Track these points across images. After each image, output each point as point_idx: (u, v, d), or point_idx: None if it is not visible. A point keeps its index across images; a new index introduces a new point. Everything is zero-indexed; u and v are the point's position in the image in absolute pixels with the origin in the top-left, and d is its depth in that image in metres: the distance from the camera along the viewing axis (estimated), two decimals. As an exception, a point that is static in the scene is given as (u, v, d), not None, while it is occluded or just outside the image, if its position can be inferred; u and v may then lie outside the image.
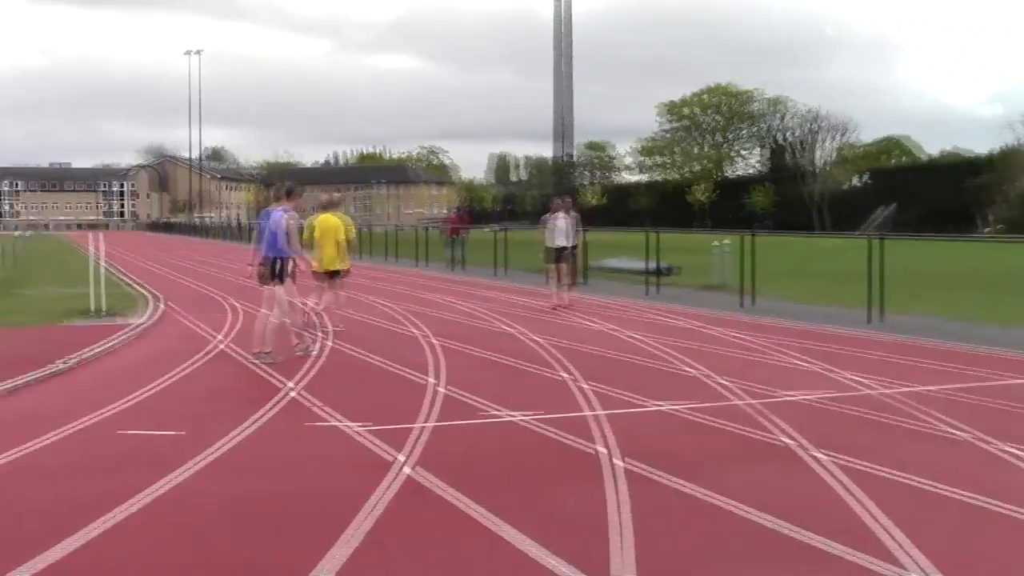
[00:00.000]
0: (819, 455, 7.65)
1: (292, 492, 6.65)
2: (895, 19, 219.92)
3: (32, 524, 5.93)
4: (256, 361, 12.76)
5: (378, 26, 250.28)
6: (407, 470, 7.16)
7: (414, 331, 16.08)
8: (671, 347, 14.02)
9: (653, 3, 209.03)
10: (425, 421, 8.96)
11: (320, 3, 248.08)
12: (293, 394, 10.41)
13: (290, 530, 5.80)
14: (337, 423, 8.87)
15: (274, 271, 12.98)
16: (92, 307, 17.95)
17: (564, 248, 20.06)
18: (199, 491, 6.66)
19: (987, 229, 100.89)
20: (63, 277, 29.01)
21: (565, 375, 11.59)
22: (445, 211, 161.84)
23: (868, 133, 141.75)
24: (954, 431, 8.60)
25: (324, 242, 15.83)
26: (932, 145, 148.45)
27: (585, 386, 10.80)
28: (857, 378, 11.38)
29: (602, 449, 7.84)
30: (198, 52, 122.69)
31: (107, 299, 18.79)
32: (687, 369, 12.11)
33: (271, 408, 9.60)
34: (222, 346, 14.31)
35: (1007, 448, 7.90)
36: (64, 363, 12.04)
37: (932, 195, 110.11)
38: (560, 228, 20.08)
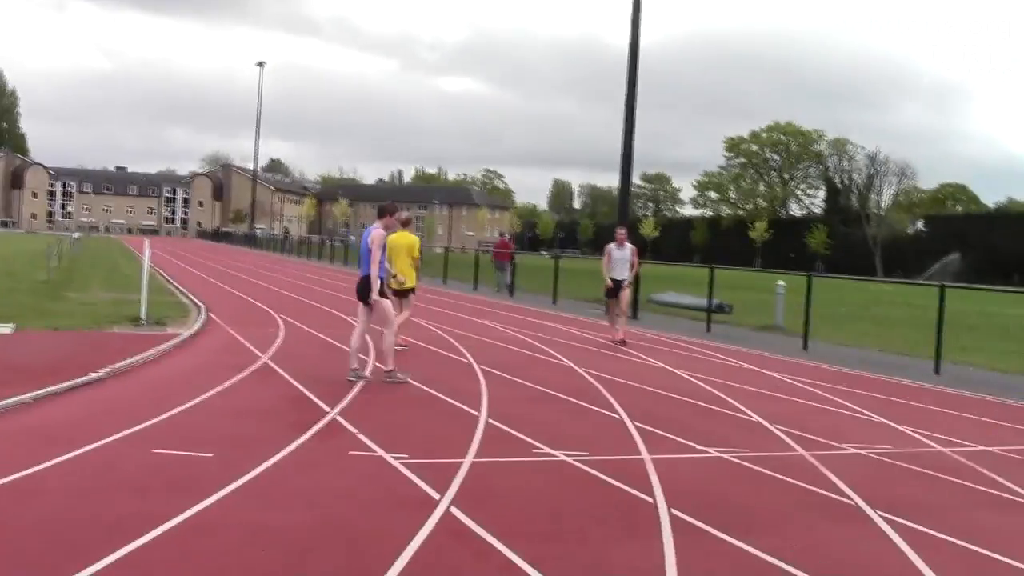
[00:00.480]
0: (882, 515, 7.16)
1: (320, 526, 6.24)
2: (959, 64, 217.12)
3: (36, 545, 5.57)
4: (353, 379, 12.62)
5: (446, 47, 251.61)
6: (446, 509, 6.74)
7: (464, 358, 15.67)
8: (728, 389, 13.52)
9: (716, 38, 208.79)
10: (470, 456, 8.54)
11: (390, 22, 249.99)
12: (335, 419, 10.01)
13: (313, 570, 5.40)
14: (377, 454, 8.46)
15: (365, 288, 12.78)
16: (140, 315, 17.65)
17: (623, 280, 19.47)
18: (222, 521, 6.25)
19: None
20: (112, 282, 28.91)
21: (618, 414, 11.13)
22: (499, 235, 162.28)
23: (927, 179, 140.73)
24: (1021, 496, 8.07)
25: (397, 260, 15.48)
26: (990, 195, 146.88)
27: (639, 426, 10.34)
28: (919, 432, 10.84)
29: (653, 498, 7.39)
30: (260, 64, 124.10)
31: (154, 307, 18.50)
32: (745, 414, 11.61)
33: (310, 433, 9.19)
34: (267, 362, 13.95)
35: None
36: (98, 373, 11.68)
37: (994, 244, 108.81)
38: (622, 259, 19.63)
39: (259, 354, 14.75)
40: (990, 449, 10.24)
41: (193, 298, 24.50)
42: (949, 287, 17.93)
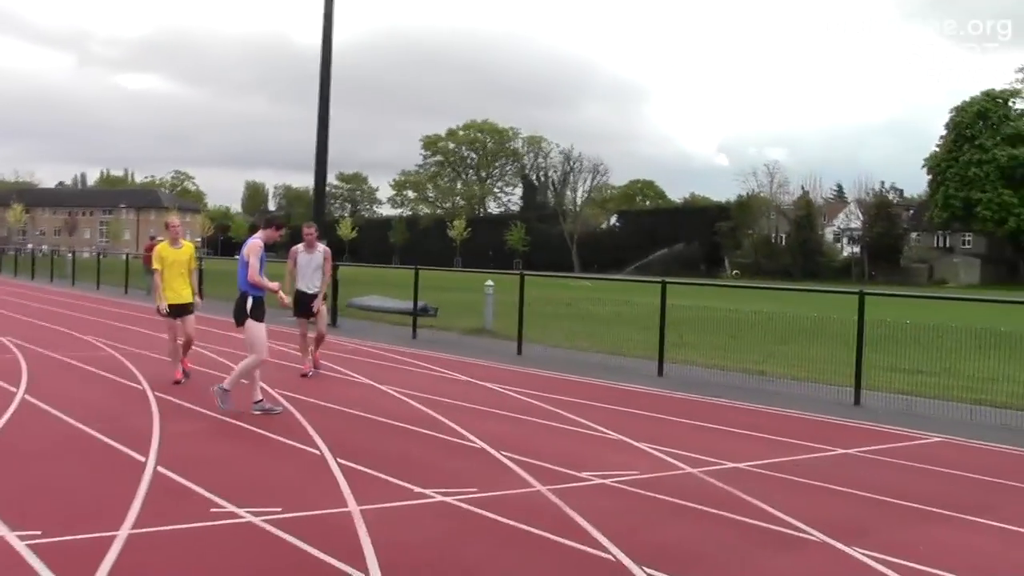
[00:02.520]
0: (649, 573, 5.78)
1: None
2: (637, 66, 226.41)
3: None
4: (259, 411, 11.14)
5: (126, 43, 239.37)
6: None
7: (136, 384, 13.46)
8: (444, 408, 11.95)
9: (408, 37, 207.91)
10: (126, 526, 6.57)
11: (62, 15, 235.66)
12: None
13: None
14: (-1, 530, 6.38)
15: (240, 308, 11.57)
16: None
17: (314, 294, 14.96)
18: None
19: (735, 272, 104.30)
20: None
21: (318, 449, 9.35)
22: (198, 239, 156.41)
23: (618, 177, 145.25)
24: (801, 529, 6.88)
25: (173, 276, 13.69)
26: (675, 191, 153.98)
27: (344, 465, 8.61)
28: (662, 451, 9.61)
29: (366, 572, 5.70)
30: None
31: None
32: (467, 439, 10.07)
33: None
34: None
35: (870, 553, 6.24)
36: None
37: (683, 238, 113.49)
38: (311, 265, 15.07)
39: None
40: (741, 466, 9.13)
41: None
42: (672, 283, 17.12)
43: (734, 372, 16.15)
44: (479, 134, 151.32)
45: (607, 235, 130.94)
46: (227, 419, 10.87)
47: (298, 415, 11.23)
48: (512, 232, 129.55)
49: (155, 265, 13.77)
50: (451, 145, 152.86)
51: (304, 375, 14.56)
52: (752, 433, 11.04)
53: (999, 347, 15.71)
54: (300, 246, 15.16)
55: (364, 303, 28.95)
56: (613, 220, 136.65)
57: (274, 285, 11.68)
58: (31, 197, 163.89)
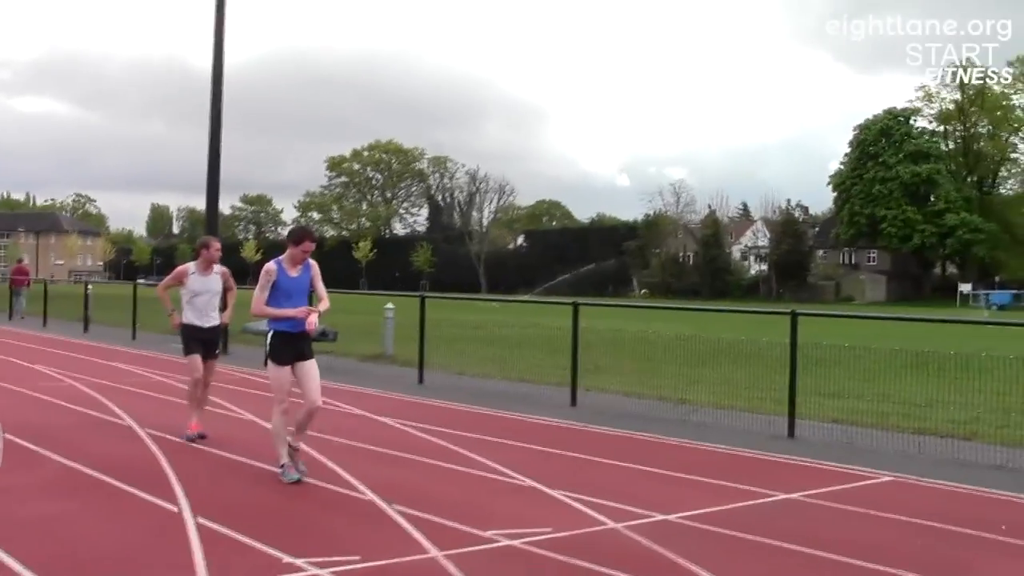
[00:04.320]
0: None
1: None
2: (540, 87, 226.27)
3: None
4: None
5: (17, 65, 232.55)
6: None
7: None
8: (333, 451, 10.52)
9: (303, 58, 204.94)
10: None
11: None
12: None
13: None
14: None
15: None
16: None
17: (214, 328, 11.61)
18: None
19: (644, 291, 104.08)
20: None
21: (176, 504, 7.91)
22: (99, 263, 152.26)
23: (522, 198, 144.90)
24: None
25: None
26: (579, 211, 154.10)
27: (202, 526, 7.19)
28: (579, 499, 8.32)
29: None
30: None
31: None
32: (356, 490, 8.69)
33: None
34: None
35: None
36: None
37: (589, 259, 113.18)
38: (209, 291, 11.50)
39: None
40: (672, 519, 7.88)
41: None
42: (585, 304, 15.88)
43: (653, 400, 14.94)
44: (384, 155, 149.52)
45: (514, 256, 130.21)
46: (81, 466, 9.35)
47: (163, 460, 9.75)
48: (418, 253, 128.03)
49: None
50: (356, 166, 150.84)
51: (192, 439, 10.96)
52: (680, 475, 9.81)
53: (925, 368, 14.88)
54: (191, 266, 11.53)
55: (259, 328, 27.33)
56: (520, 240, 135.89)
57: (289, 312, 8.97)
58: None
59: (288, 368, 9.08)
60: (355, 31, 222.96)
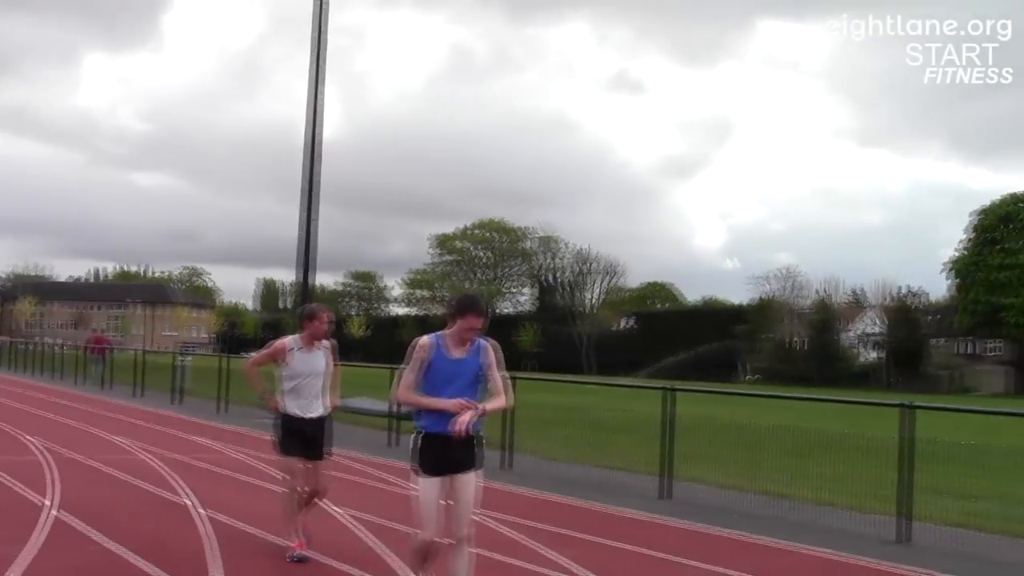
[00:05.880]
0: None
1: None
2: (642, 170, 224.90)
3: None
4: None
5: (133, 140, 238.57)
6: None
7: (39, 498, 11.29)
8: (396, 539, 9.73)
9: (405, 137, 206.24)
10: None
11: (70, 114, 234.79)
12: None
13: None
14: None
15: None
16: None
17: (320, 418, 9.28)
18: None
19: (748, 377, 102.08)
20: None
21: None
22: (205, 336, 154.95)
23: (632, 279, 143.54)
24: None
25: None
26: (693, 293, 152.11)
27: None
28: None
29: None
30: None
31: None
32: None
33: None
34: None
35: None
36: None
37: (696, 342, 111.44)
38: (312, 371, 9.27)
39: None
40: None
41: None
42: (681, 390, 14.89)
43: (750, 494, 13.82)
44: (491, 233, 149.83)
45: (623, 337, 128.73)
46: (128, 553, 8.67)
47: (208, 547, 9.02)
48: (523, 333, 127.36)
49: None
50: (461, 244, 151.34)
51: (293, 558, 8.88)
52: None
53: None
54: (291, 340, 9.33)
55: (354, 405, 26.79)
56: (631, 322, 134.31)
57: (438, 403, 6.75)
58: (44, 290, 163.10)
59: (438, 482, 6.77)
60: (454, 111, 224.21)
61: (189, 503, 11.47)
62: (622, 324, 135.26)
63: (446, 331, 6.90)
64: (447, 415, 6.54)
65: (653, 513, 12.32)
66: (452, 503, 6.77)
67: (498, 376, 6.91)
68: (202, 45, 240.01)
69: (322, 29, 22.86)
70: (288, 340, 9.29)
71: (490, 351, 6.91)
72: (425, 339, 6.90)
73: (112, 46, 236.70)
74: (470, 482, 6.76)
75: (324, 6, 25.03)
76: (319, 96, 23.00)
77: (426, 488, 6.71)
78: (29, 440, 17.21)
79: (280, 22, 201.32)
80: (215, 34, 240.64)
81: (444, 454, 6.64)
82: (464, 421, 6.46)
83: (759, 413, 19.98)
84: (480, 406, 6.61)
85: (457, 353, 6.79)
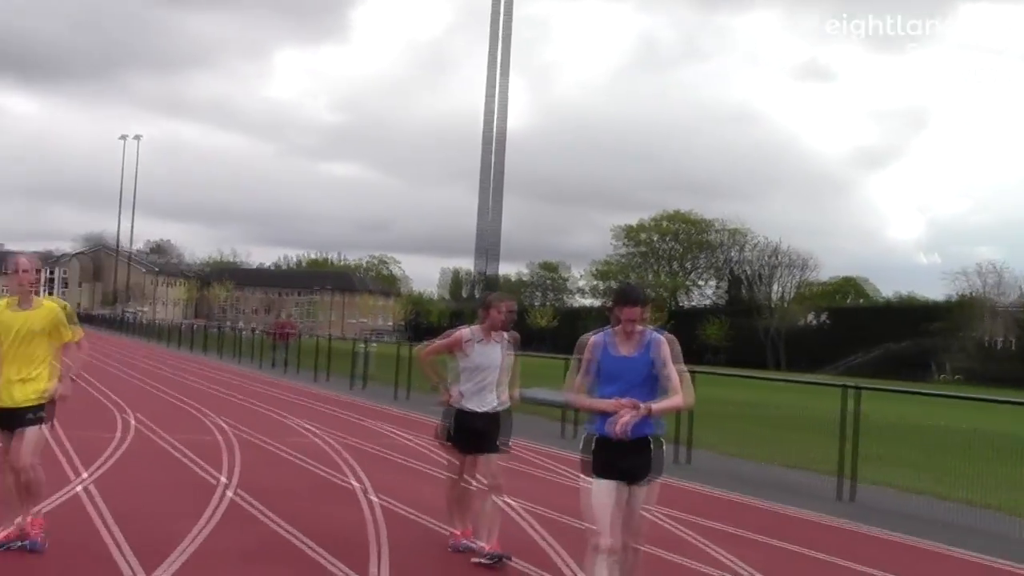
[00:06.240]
0: None
1: None
2: (832, 160, 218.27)
3: None
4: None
5: (322, 131, 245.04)
6: None
7: (213, 475, 11.48)
8: (570, 537, 9.52)
9: (590, 127, 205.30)
10: None
11: (267, 105, 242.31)
12: None
13: None
14: None
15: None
16: None
17: (493, 412, 8.67)
18: None
19: (945, 376, 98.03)
20: None
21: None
22: (391, 323, 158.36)
23: (823, 273, 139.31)
24: None
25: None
26: (886, 288, 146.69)
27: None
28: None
29: None
30: (136, 137, 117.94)
31: None
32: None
33: None
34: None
35: None
36: None
37: (889, 339, 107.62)
38: (490, 365, 8.74)
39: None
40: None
41: None
42: (865, 388, 14.21)
43: (950, 502, 12.97)
44: (677, 224, 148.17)
45: (812, 332, 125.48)
46: (297, 534, 8.71)
47: (373, 530, 8.97)
48: (709, 327, 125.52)
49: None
50: (648, 235, 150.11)
51: (458, 548, 8.67)
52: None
53: None
54: (470, 331, 8.80)
55: (534, 396, 26.67)
56: (823, 317, 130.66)
57: (599, 404, 6.29)
58: (239, 276, 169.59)
59: (613, 486, 6.22)
60: (639, 101, 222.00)
61: (359, 487, 11.51)
62: (811, 319, 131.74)
63: (612, 327, 6.32)
64: (611, 416, 6.01)
65: (831, 515, 11.76)
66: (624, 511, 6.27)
67: (674, 372, 6.23)
68: (389, 37, 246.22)
69: (504, 20, 22.72)
70: (466, 331, 8.81)
71: (663, 345, 6.27)
72: (592, 337, 6.38)
73: (302, 40, 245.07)
74: (642, 492, 6.31)
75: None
76: (501, 87, 22.88)
77: (598, 492, 6.18)
78: (212, 420, 17.68)
79: (467, 14, 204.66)
80: (402, 26, 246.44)
81: (616, 459, 6.14)
82: (624, 422, 5.88)
83: (959, 416, 19.01)
84: (644, 406, 5.97)
85: (624, 350, 6.26)
